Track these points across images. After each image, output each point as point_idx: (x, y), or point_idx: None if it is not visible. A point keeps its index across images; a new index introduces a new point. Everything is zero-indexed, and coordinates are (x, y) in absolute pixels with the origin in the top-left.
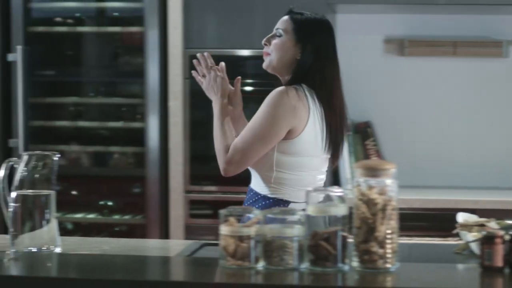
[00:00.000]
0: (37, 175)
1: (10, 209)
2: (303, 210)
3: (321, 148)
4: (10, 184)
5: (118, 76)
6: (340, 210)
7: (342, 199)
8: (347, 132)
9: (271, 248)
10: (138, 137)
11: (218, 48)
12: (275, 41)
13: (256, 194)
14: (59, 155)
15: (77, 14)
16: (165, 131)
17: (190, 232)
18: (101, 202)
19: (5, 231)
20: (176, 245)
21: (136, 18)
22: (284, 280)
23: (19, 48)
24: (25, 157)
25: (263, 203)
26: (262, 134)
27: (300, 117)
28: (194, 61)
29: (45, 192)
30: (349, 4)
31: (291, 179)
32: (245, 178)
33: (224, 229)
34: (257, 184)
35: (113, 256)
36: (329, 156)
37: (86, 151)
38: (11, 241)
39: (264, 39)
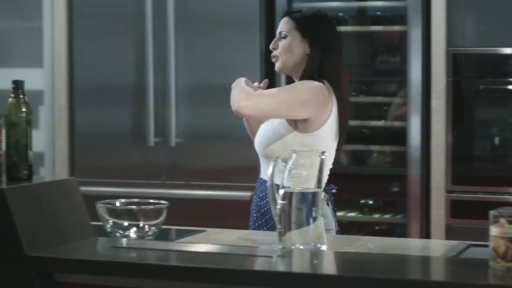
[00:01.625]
0: (304, 173)
1: (278, 206)
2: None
3: (335, 140)
4: None
5: (375, 75)
6: None
7: None
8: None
9: None
10: (399, 136)
11: (480, 47)
12: (282, 43)
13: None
14: (325, 153)
15: (340, 14)
16: (427, 130)
17: (451, 233)
18: (362, 201)
19: None
20: (440, 245)
21: (399, 17)
22: None
23: None
24: (293, 155)
25: None
26: (289, 100)
27: (324, 112)
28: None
29: (312, 189)
30: None
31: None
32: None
33: (494, 230)
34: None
35: (380, 255)
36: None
37: (345, 149)
38: (278, 238)
39: (271, 44)
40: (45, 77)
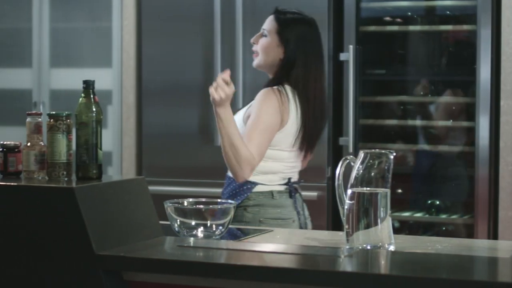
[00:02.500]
0: (372, 173)
1: (346, 206)
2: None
3: (293, 144)
4: (345, 182)
5: (443, 74)
6: None
7: None
8: (322, 130)
9: None
10: (466, 136)
11: None
12: (261, 41)
13: (229, 178)
14: (394, 154)
15: (408, 13)
16: (496, 130)
17: None
18: (428, 201)
19: (335, 227)
20: (509, 246)
21: (468, 16)
22: None
23: (351, 47)
24: (361, 155)
25: (234, 185)
26: (267, 129)
27: (284, 116)
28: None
29: (380, 190)
30: None
31: (260, 165)
32: None
33: None
34: None
35: (448, 255)
36: (302, 151)
37: (412, 149)
38: (345, 238)
39: (252, 39)
40: (114, 77)
